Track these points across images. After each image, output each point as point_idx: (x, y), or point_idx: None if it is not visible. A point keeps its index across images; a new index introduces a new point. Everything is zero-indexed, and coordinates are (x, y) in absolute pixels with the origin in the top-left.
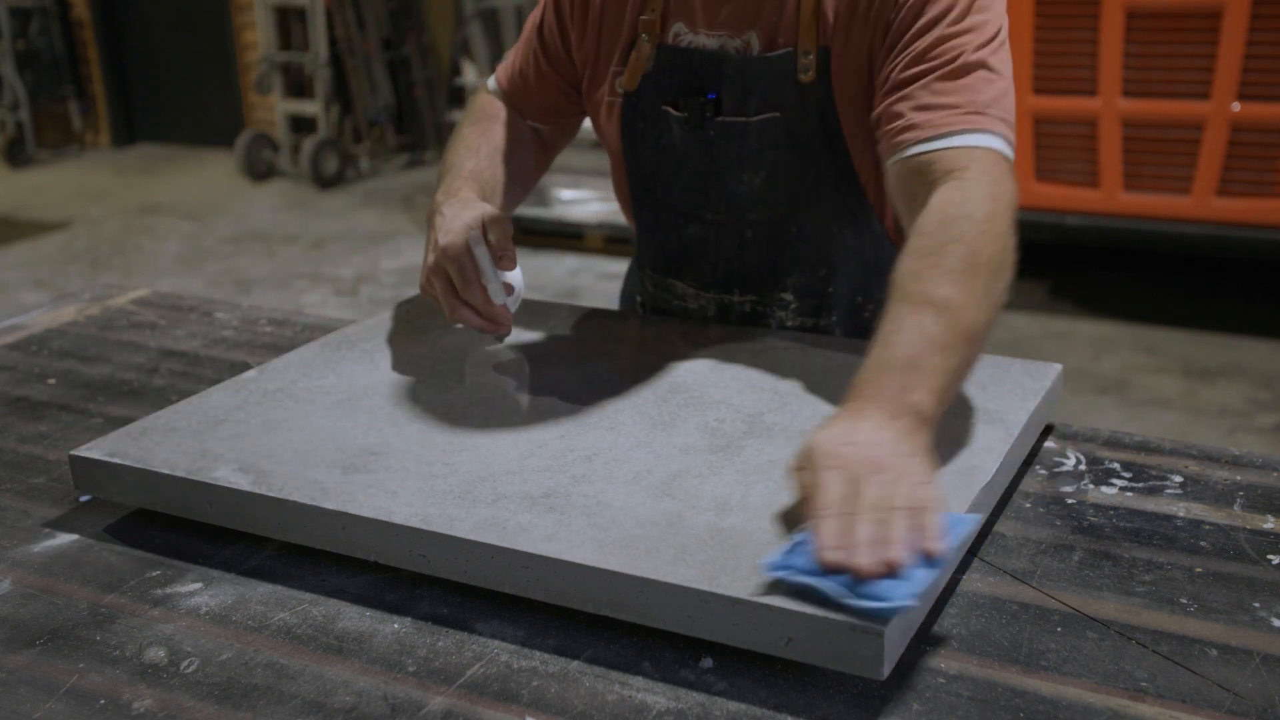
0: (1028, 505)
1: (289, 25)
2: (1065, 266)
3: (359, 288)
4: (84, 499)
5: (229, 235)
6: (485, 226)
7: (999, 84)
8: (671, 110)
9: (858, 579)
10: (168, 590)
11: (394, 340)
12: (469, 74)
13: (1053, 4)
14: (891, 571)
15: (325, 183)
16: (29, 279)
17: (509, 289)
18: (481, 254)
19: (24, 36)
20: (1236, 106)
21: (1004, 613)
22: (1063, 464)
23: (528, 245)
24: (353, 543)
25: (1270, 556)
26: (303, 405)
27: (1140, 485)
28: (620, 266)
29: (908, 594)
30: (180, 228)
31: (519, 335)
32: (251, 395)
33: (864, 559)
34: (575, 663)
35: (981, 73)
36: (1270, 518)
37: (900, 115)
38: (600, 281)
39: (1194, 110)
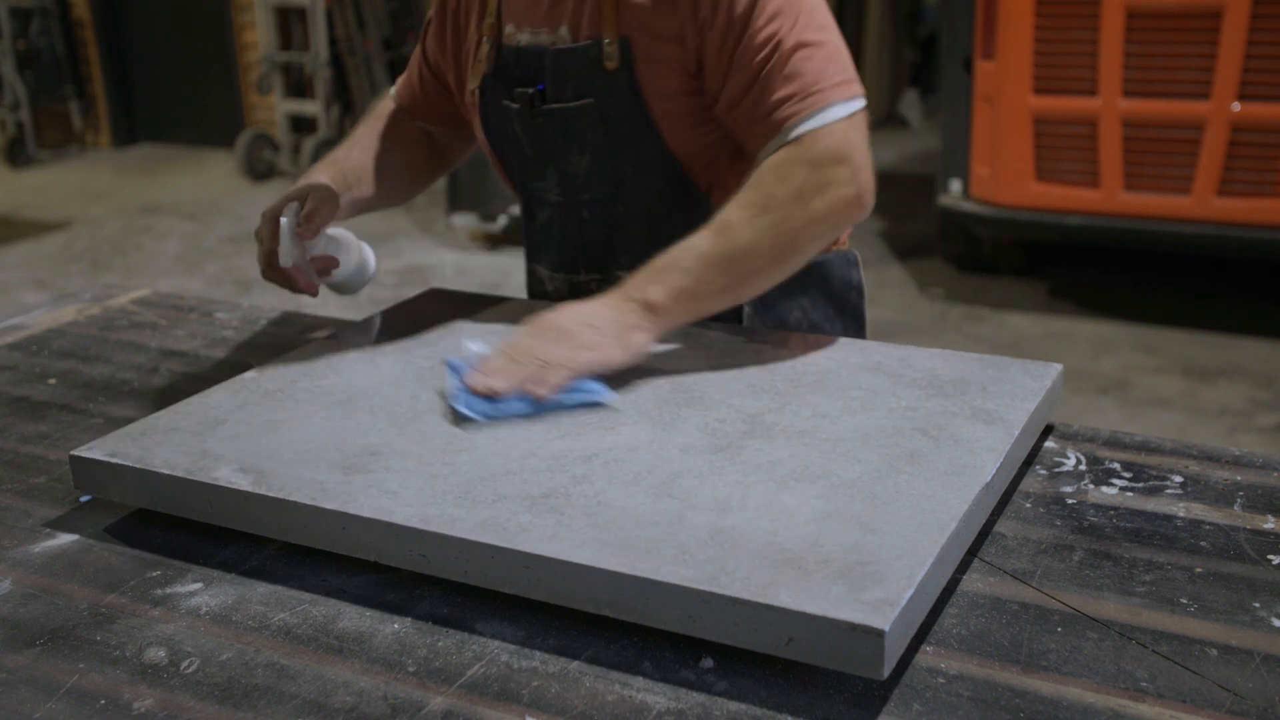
0: (1028, 505)
1: (289, 25)
2: (1065, 266)
3: None
4: (84, 499)
5: (229, 235)
6: (307, 199)
7: (820, 52)
8: (510, 104)
9: (472, 393)
10: (168, 590)
11: (394, 340)
12: None
13: (1053, 4)
14: (492, 394)
15: None
16: (29, 279)
17: (333, 262)
18: (286, 222)
19: (24, 36)
20: (1236, 106)
21: (1004, 613)
22: (1063, 464)
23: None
24: (353, 543)
25: (1270, 556)
26: (303, 405)
27: (1140, 485)
28: None
29: (482, 412)
30: (180, 228)
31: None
32: (251, 395)
33: (476, 380)
34: (575, 663)
35: (801, 52)
36: (1270, 518)
37: (751, 122)
38: None
39: (1194, 110)
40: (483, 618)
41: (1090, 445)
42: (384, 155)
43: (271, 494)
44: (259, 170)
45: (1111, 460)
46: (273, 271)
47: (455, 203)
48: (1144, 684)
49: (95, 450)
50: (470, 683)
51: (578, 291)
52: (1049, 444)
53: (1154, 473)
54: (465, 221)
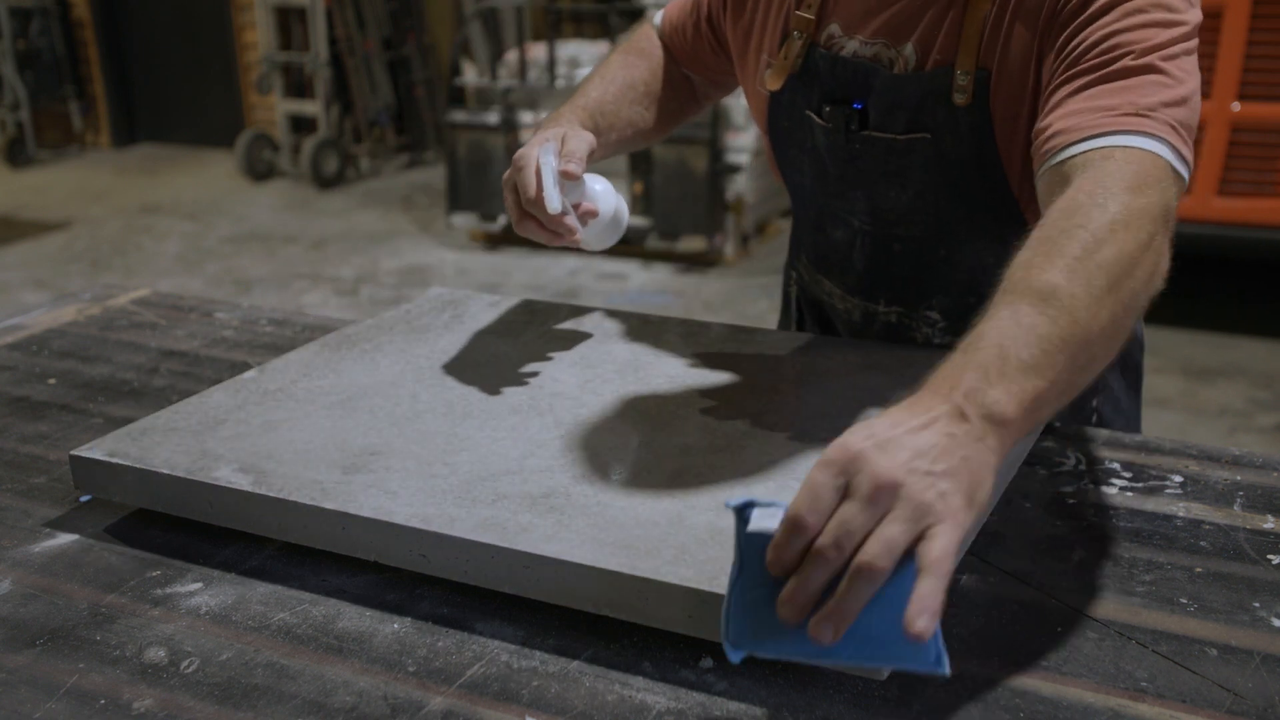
0: (1028, 505)
1: (289, 25)
2: None
3: (359, 288)
4: (84, 499)
5: (229, 235)
6: (564, 140)
7: (1174, 90)
8: (815, 117)
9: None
10: (168, 590)
11: (394, 340)
12: (469, 74)
13: None
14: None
15: (325, 183)
16: (29, 279)
17: (591, 212)
18: (547, 164)
19: (24, 36)
20: (1236, 106)
21: (1004, 613)
22: (1063, 464)
23: (528, 245)
24: (353, 543)
25: (1270, 556)
26: (303, 405)
27: (1140, 485)
28: (620, 267)
29: (748, 647)
30: (180, 228)
31: (519, 335)
32: (251, 395)
33: (790, 613)
34: (575, 663)
35: (1151, 76)
36: (1270, 518)
37: (1048, 126)
38: (600, 281)
39: None
40: (483, 618)
41: (1090, 445)
42: (636, 96)
43: (271, 494)
44: (259, 170)
45: (1111, 460)
46: (530, 221)
47: (455, 203)
48: (1144, 684)
49: (95, 450)
50: (470, 683)
51: (873, 320)
52: (1049, 444)
53: (1154, 473)
54: (465, 221)
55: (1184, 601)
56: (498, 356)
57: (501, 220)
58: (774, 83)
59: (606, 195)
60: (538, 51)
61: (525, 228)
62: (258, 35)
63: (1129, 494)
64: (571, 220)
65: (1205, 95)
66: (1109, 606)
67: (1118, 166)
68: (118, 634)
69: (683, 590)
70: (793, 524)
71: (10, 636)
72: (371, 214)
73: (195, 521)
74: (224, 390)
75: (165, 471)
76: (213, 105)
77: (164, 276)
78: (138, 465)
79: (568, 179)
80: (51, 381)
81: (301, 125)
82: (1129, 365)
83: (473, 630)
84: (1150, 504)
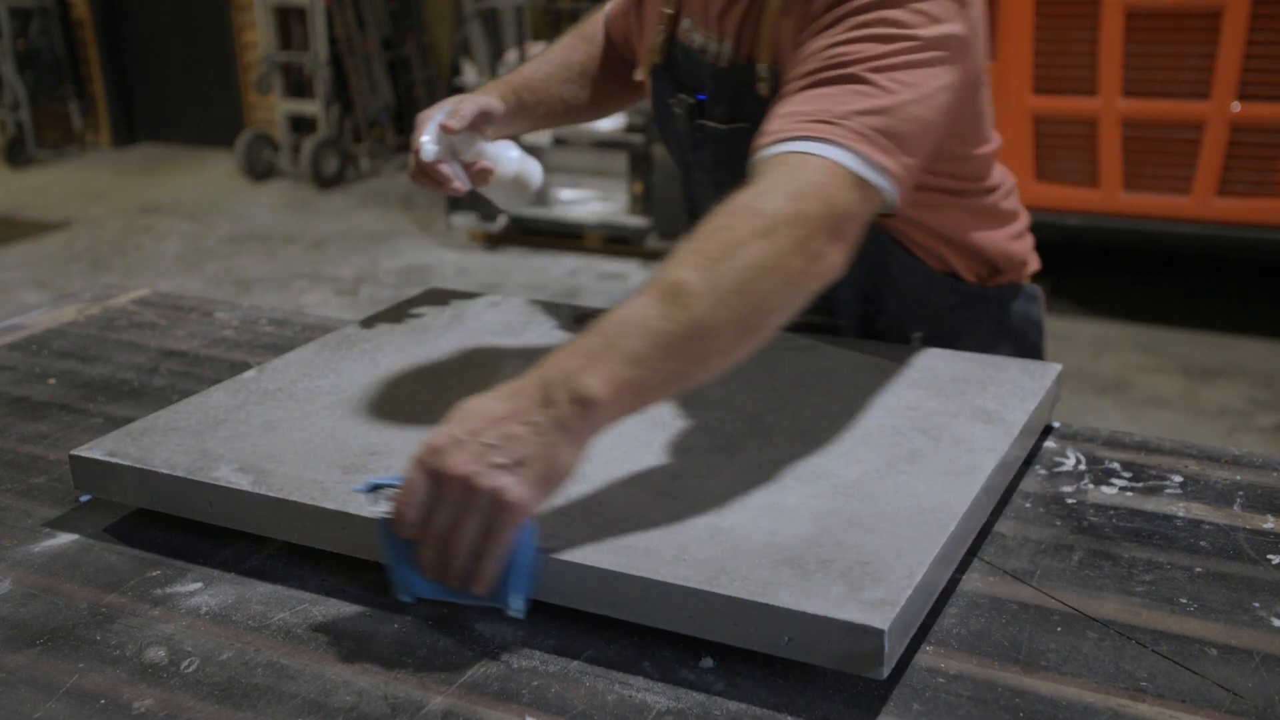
0: (1028, 505)
1: (289, 25)
2: (1065, 266)
3: (359, 288)
4: (84, 499)
5: (229, 235)
6: (461, 103)
7: (875, 100)
8: (674, 106)
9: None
10: (168, 590)
11: (394, 340)
12: (469, 74)
13: (1053, 4)
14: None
15: (325, 183)
16: (29, 279)
17: (487, 169)
18: (434, 120)
19: (24, 36)
20: (1236, 106)
21: (1004, 613)
22: (1063, 464)
23: (527, 245)
24: (353, 543)
25: (1270, 556)
26: (303, 405)
27: (1140, 485)
28: (620, 267)
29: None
30: (180, 228)
31: (518, 334)
32: (251, 395)
33: (429, 575)
34: (575, 663)
35: (855, 86)
36: (1270, 517)
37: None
38: (600, 281)
39: (1194, 110)
40: (483, 618)
41: (1090, 445)
42: (570, 75)
43: (271, 494)
44: (259, 170)
45: (1111, 460)
46: (421, 175)
47: (455, 202)
48: (1143, 684)
49: (95, 450)
50: (470, 682)
51: None
52: (1049, 444)
53: (1154, 473)
54: (465, 221)
55: (1184, 601)
56: (498, 356)
57: (501, 220)
58: (641, 73)
59: (508, 159)
60: (537, 51)
61: (416, 177)
62: (258, 35)
63: (1129, 494)
64: (447, 169)
65: (1205, 95)
66: (1109, 606)
67: (788, 172)
68: (118, 634)
69: (683, 590)
70: (398, 516)
71: (10, 636)
72: (371, 214)
73: (195, 521)
74: (224, 390)
75: (165, 471)
76: (213, 105)
77: (164, 276)
78: (138, 465)
79: (446, 132)
80: (51, 381)
81: (301, 125)
82: (1025, 347)
83: (473, 630)
84: (1150, 504)
